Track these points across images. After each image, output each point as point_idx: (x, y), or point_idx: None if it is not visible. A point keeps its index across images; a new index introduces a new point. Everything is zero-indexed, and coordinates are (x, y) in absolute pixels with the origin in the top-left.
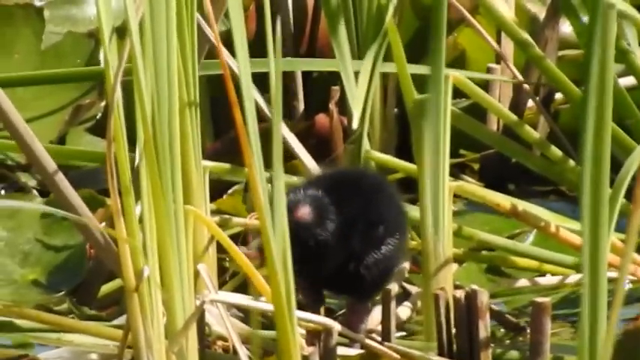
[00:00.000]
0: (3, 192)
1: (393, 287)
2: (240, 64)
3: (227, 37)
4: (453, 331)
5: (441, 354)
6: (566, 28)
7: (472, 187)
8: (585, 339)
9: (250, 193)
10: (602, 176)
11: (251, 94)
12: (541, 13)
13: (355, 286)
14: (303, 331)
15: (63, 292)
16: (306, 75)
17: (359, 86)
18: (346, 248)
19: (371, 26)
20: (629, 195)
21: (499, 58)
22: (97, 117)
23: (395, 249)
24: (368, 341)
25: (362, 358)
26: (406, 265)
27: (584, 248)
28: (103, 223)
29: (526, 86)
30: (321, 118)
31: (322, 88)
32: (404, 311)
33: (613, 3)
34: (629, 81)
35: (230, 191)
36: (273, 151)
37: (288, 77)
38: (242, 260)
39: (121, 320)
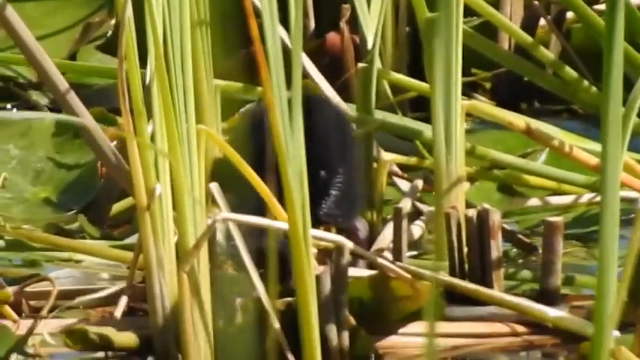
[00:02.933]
0: (15, 110)
1: (405, 205)
2: None
3: None
4: (465, 250)
5: (452, 274)
6: None
7: (484, 105)
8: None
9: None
10: (617, 94)
11: (274, 5)
12: None
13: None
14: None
15: (74, 211)
16: None
17: (371, 4)
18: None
19: None
20: None
21: None
22: (108, 35)
23: (345, 185)
24: (379, 260)
25: (373, 278)
26: (419, 183)
27: (603, 166)
28: (115, 142)
29: (537, 4)
30: (332, 37)
31: (333, 6)
32: (416, 230)
33: None
34: None
35: (240, 111)
36: (292, 70)
37: None
38: (254, 179)
39: (133, 239)
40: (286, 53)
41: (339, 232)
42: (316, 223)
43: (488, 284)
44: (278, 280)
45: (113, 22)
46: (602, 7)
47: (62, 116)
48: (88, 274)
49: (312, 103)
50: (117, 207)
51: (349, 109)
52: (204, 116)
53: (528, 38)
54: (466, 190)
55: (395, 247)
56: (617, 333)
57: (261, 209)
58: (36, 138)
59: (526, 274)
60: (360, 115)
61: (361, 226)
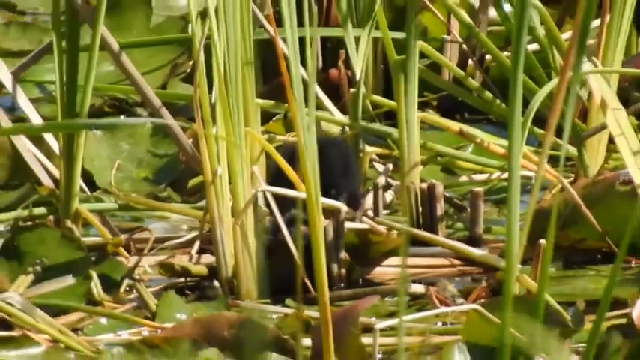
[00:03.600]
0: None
1: (381, 181)
2: (288, 34)
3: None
4: (420, 210)
5: (412, 225)
6: (493, 12)
7: (432, 116)
8: (512, 213)
9: (290, 120)
10: (518, 108)
11: (296, 53)
12: (476, 2)
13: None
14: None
15: (164, 185)
16: (323, 43)
17: (359, 50)
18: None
19: (366, 9)
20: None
21: (449, 32)
22: (187, 71)
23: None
24: (364, 218)
25: (361, 229)
26: (390, 166)
27: (510, 155)
28: (191, 140)
29: (467, 50)
30: (333, 72)
31: (334, 51)
32: (388, 197)
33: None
34: (534, 47)
35: (274, 119)
36: (308, 92)
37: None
38: (283, 164)
39: (202, 204)
40: (304, 82)
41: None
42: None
43: (436, 232)
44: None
45: (191, 62)
46: (508, 52)
47: (157, 120)
48: (174, 226)
49: (325, 143)
50: (192, 182)
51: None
52: (249, 123)
53: (461, 72)
54: (420, 171)
55: (375, 208)
56: (520, 265)
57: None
58: (139, 138)
59: (459, 225)
60: (352, 122)
61: (362, 202)
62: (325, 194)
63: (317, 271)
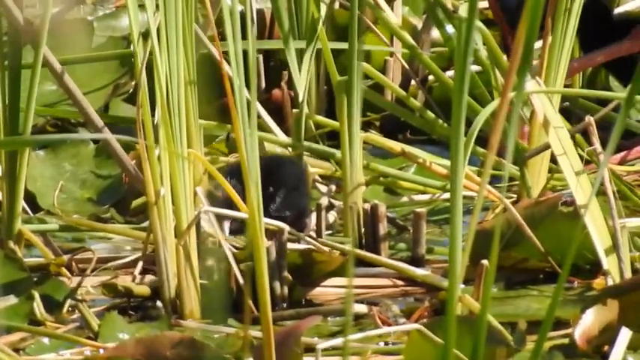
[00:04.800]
0: (68, 141)
1: (324, 201)
2: (231, 55)
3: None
4: (362, 230)
5: (354, 246)
6: (436, 33)
7: (375, 136)
8: (454, 234)
9: (233, 141)
10: (461, 128)
11: (241, 73)
12: (419, 23)
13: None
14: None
15: (107, 206)
16: (266, 64)
17: (301, 71)
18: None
19: (308, 31)
20: (477, 141)
21: (392, 54)
22: (130, 91)
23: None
24: (307, 238)
25: (303, 251)
26: (333, 187)
27: (452, 175)
28: (134, 160)
29: (410, 70)
30: (276, 92)
31: (277, 72)
32: (331, 218)
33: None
34: (476, 68)
35: (217, 140)
36: (250, 113)
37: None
38: (225, 185)
39: (146, 224)
40: (247, 103)
41: (293, 224)
42: (269, 217)
43: (378, 253)
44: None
45: (133, 82)
46: (452, 72)
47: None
48: (117, 246)
49: (279, 161)
50: (136, 203)
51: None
52: (192, 143)
53: (403, 93)
54: (363, 191)
55: (317, 228)
56: (462, 286)
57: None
58: (82, 158)
59: (402, 246)
60: (295, 143)
61: (308, 222)
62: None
63: (260, 291)
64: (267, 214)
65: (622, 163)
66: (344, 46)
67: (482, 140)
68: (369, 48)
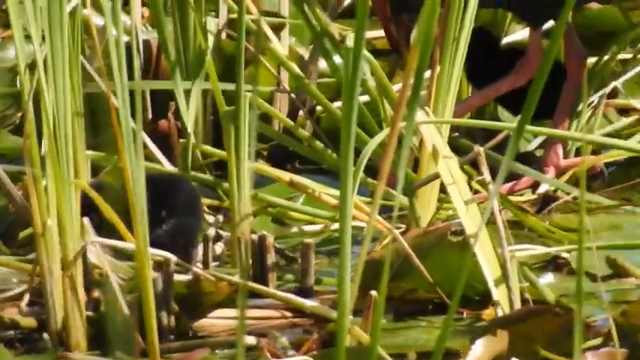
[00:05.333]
0: None
1: (211, 232)
2: (118, 87)
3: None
4: (250, 261)
5: (242, 277)
6: (323, 63)
7: (263, 166)
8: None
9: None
10: (350, 158)
11: (127, 105)
12: (306, 53)
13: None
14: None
15: None
16: (153, 95)
17: (189, 101)
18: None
19: (196, 61)
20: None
21: (279, 83)
22: (17, 122)
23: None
24: (195, 269)
25: (190, 280)
26: (220, 217)
27: (341, 206)
28: (21, 191)
29: (298, 101)
30: (162, 123)
31: (164, 102)
32: (218, 249)
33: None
34: (365, 98)
35: (104, 171)
36: (136, 143)
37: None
38: (112, 215)
39: (32, 255)
40: (134, 133)
41: (184, 250)
42: (154, 246)
43: (266, 284)
44: None
45: (20, 114)
46: (340, 103)
47: None
48: (4, 278)
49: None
50: (23, 234)
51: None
52: (79, 174)
53: (291, 123)
54: (251, 222)
55: (204, 260)
56: (352, 317)
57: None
58: None
59: (290, 277)
60: (182, 173)
61: (194, 254)
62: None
63: (147, 322)
64: (156, 239)
65: (510, 193)
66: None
67: (372, 170)
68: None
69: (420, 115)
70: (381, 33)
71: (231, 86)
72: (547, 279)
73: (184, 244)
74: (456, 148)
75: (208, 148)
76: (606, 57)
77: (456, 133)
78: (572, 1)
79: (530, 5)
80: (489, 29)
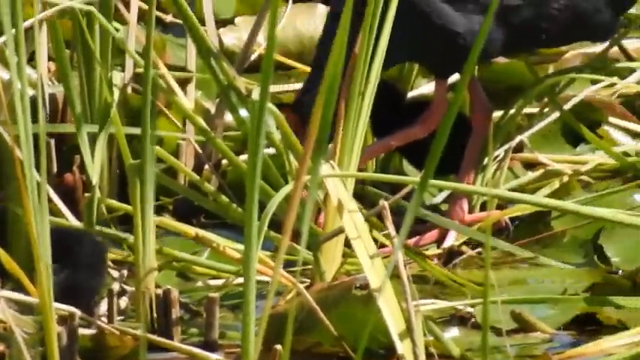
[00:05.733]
0: None
1: (115, 287)
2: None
3: None
4: (155, 315)
5: (143, 330)
6: (229, 117)
7: (168, 220)
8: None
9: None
10: (254, 212)
11: (31, 157)
12: (212, 107)
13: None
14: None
15: None
16: (58, 148)
17: (94, 154)
18: None
19: (102, 113)
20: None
21: (184, 138)
22: None
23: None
24: (99, 323)
25: (95, 336)
26: (125, 272)
27: (245, 260)
28: None
29: (203, 155)
30: (68, 176)
31: (69, 156)
32: (123, 303)
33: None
34: (270, 151)
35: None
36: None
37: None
38: (15, 269)
39: None
40: (39, 186)
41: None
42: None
43: (171, 338)
44: None
45: None
46: (246, 156)
47: None
48: None
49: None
50: None
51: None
52: None
53: (197, 177)
54: (156, 276)
55: (109, 314)
56: None
57: None
58: None
59: (195, 330)
60: (86, 227)
61: (98, 309)
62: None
63: None
64: (61, 293)
65: (415, 247)
66: (136, 130)
67: (277, 224)
68: (162, 133)
69: (325, 169)
70: (286, 86)
71: (137, 138)
72: (452, 333)
73: (88, 298)
74: (361, 197)
75: (114, 202)
76: (512, 111)
77: (361, 186)
78: (477, 53)
79: (434, 55)
80: (394, 83)
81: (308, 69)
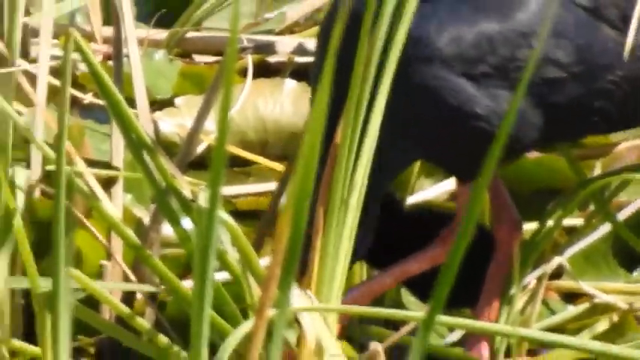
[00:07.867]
0: None
1: None
2: None
3: None
4: None
5: None
6: (168, 229)
7: None
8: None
9: None
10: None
11: None
12: (146, 217)
13: None
14: None
15: None
16: None
17: None
18: None
19: (2, 226)
20: None
21: (110, 255)
22: None
23: None
24: None
25: None
26: None
27: None
28: None
29: (135, 280)
30: None
31: None
32: None
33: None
34: (224, 275)
35: None
36: None
37: None
38: None
39: None
40: None
41: None
42: None
43: None
44: None
45: None
46: (191, 282)
47: None
48: None
49: None
50: None
51: None
52: None
53: (127, 310)
54: None
55: None
56: None
57: None
58: None
59: None
60: None
61: None
62: None
63: None
64: None
65: None
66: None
67: None
68: (81, 251)
69: (298, 300)
70: (245, 189)
71: (47, 258)
72: None
73: None
74: (348, 337)
75: (18, 343)
76: (548, 223)
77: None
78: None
79: (451, 150)
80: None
81: (272, 164)
